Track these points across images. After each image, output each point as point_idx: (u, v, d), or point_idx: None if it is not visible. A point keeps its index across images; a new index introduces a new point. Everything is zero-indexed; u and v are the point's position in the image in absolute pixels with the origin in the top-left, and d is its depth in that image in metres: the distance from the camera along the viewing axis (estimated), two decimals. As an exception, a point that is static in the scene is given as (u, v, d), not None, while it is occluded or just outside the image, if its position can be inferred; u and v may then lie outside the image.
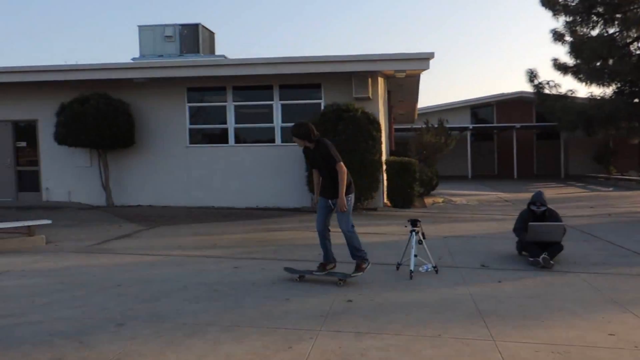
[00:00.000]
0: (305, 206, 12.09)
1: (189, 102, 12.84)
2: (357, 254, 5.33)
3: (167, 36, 15.13)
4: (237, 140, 12.77)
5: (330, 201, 5.34)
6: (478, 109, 31.06)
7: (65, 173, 13.53)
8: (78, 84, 12.66)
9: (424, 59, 11.45)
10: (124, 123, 12.02)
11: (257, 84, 12.42)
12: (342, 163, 5.25)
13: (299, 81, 12.22)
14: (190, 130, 12.92)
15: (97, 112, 11.61)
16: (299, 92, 12.45)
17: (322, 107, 11.93)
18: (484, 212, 11.89)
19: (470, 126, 28.50)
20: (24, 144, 13.72)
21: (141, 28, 15.49)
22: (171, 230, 9.13)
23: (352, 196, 5.36)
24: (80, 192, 13.51)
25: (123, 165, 13.12)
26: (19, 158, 13.76)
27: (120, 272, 5.87)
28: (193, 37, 15.32)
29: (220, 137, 12.88)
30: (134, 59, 15.33)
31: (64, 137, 11.93)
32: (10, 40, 73.37)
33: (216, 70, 11.91)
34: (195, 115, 12.99)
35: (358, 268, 5.31)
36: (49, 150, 13.47)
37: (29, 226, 7.57)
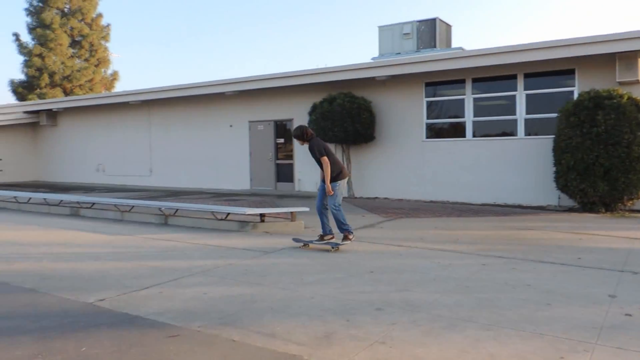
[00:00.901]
0: (551, 204, 11.04)
1: (426, 96, 12.94)
2: (343, 227, 6.88)
3: (405, 34, 15.51)
4: (474, 133, 12.35)
5: (324, 185, 6.90)
6: None
7: (314, 166, 14.96)
8: (326, 85, 13.92)
9: None
10: (366, 120, 12.77)
11: (498, 74, 11.79)
12: (325, 157, 6.85)
13: (547, 68, 11.16)
14: (427, 124, 13.01)
15: (343, 109, 12.57)
16: (547, 81, 11.36)
17: (576, 95, 10.67)
18: None
19: None
20: (282, 140, 15.73)
21: (381, 28, 16.20)
22: (411, 223, 9.33)
23: (340, 182, 6.92)
24: (325, 183, 14.83)
25: (363, 159, 13.95)
26: (278, 153, 15.82)
27: (371, 260, 6.22)
28: (430, 32, 15.37)
29: (456, 131, 12.64)
30: (373, 58, 16.14)
31: (315, 133, 13.25)
32: (265, 47, 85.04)
33: (456, 63, 11.68)
34: (432, 110, 13.01)
35: (345, 238, 6.89)
36: (301, 146, 15.12)
37: (292, 212, 8.61)
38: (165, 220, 9.39)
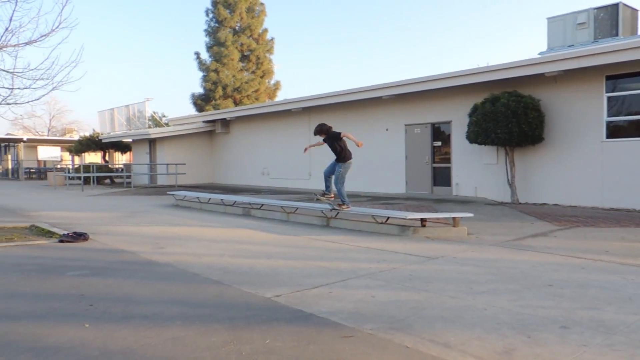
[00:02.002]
0: None
1: (607, 91, 11.54)
2: (341, 198, 9.24)
3: (579, 24, 14.05)
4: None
5: (337, 163, 9.23)
6: None
7: (472, 169, 14.39)
8: (488, 84, 13.23)
9: None
10: (533, 119, 11.84)
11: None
12: (344, 135, 9.13)
13: None
14: (608, 123, 11.59)
15: (507, 109, 11.81)
16: None
17: None
18: None
19: None
20: (439, 143, 15.34)
21: (550, 20, 14.91)
22: (590, 233, 8.38)
23: (348, 162, 9.24)
24: (485, 187, 14.11)
25: (529, 162, 12.95)
26: (435, 156, 15.47)
27: (547, 272, 5.70)
28: (610, 19, 13.69)
29: (645, 130, 11.06)
30: (541, 53, 14.91)
31: (475, 135, 12.66)
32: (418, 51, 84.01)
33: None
34: (611, 106, 11.56)
35: (340, 205, 9.33)
36: (459, 149, 14.61)
37: (454, 217, 8.31)
38: (327, 223, 9.75)
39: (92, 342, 3.58)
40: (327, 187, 9.53)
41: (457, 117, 14.56)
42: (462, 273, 5.70)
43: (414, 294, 4.88)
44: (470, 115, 12.98)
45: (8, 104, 8.39)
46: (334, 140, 9.17)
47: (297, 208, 10.73)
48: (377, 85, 15.89)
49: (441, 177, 15.34)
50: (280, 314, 4.25)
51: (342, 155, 9.17)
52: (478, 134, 12.56)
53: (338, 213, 9.80)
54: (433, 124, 15.43)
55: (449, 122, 14.95)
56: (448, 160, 15.09)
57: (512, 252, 6.87)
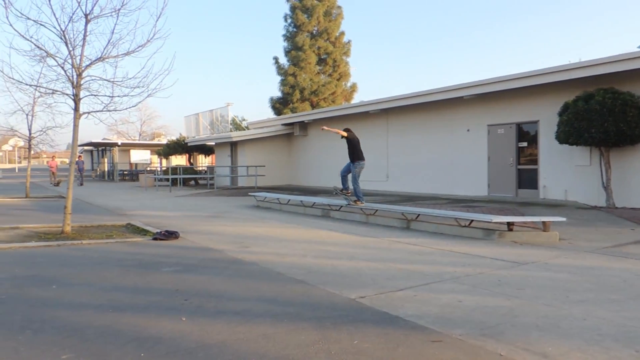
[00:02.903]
0: None
1: None
2: (356, 195, 10.93)
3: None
4: None
5: (351, 162, 10.99)
6: None
7: (562, 172, 13.61)
8: (580, 81, 12.46)
9: None
10: (633, 118, 10.99)
11: None
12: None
13: None
14: None
15: (603, 107, 11.06)
16: None
17: None
18: None
19: None
20: (524, 144, 14.65)
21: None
22: (701, 241, 7.62)
23: (361, 162, 10.99)
24: (577, 191, 13.30)
25: (627, 163, 12.04)
26: (520, 157, 14.79)
27: (653, 282, 5.26)
28: None
29: None
30: (640, 46, 13.78)
31: (565, 135, 11.96)
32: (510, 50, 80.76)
33: None
34: None
35: (355, 202, 10.99)
36: (547, 149, 13.88)
37: (544, 222, 7.89)
38: (407, 225, 9.62)
39: (190, 334, 3.77)
40: (344, 184, 11.27)
41: (545, 116, 13.82)
42: (556, 280, 5.40)
43: (504, 300, 4.68)
44: (560, 114, 12.27)
45: (109, 110, 9.06)
46: (350, 142, 11.06)
47: (377, 210, 10.68)
48: (458, 85, 15.46)
49: (527, 179, 14.63)
50: (366, 316, 4.25)
51: (352, 156, 11.02)
52: (569, 134, 11.84)
53: (418, 216, 9.64)
54: (518, 124, 14.75)
55: (535, 122, 14.22)
56: (535, 162, 14.36)
57: (611, 260, 6.41)
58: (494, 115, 15.45)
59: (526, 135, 14.62)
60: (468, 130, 16.23)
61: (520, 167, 14.77)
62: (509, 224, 8.16)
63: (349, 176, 11.25)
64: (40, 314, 4.28)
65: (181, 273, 5.89)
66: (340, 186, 11.41)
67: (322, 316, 4.23)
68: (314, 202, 12.53)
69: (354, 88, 35.08)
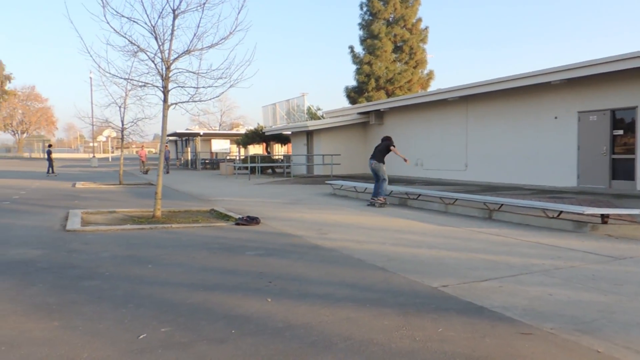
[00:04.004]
0: None
1: None
2: (383, 194, 11.56)
3: None
4: None
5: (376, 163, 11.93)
6: None
7: (664, 161, 12.50)
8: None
9: None
10: None
11: None
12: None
13: None
14: None
15: None
16: None
17: None
18: None
19: None
20: (620, 132, 13.62)
21: None
22: None
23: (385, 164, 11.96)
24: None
25: None
26: (614, 146, 13.78)
27: None
28: None
29: None
30: None
31: (668, 122, 10.96)
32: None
33: None
34: None
35: (381, 201, 11.46)
36: (646, 137, 12.80)
37: (643, 214, 7.33)
38: (489, 215, 9.30)
39: (276, 315, 3.90)
40: (376, 190, 11.87)
41: (644, 101, 12.75)
42: (658, 277, 5.01)
43: (600, 295, 4.42)
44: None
45: (194, 101, 9.49)
46: (383, 144, 12.11)
47: (457, 199, 10.41)
48: (545, 70, 14.62)
49: (622, 169, 13.60)
50: (450, 304, 4.18)
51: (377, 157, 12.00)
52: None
53: (502, 206, 9.28)
54: (613, 110, 13.72)
55: (633, 108, 13.15)
56: (632, 151, 13.30)
57: None
58: (585, 102, 14.47)
59: (621, 123, 13.57)
60: (555, 118, 15.33)
61: (614, 156, 13.76)
62: (603, 216, 7.65)
63: (381, 179, 11.67)
64: (140, 290, 4.61)
65: (264, 257, 6.09)
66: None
67: (404, 303, 4.21)
68: (392, 191, 12.43)
69: (430, 76, 34.22)
